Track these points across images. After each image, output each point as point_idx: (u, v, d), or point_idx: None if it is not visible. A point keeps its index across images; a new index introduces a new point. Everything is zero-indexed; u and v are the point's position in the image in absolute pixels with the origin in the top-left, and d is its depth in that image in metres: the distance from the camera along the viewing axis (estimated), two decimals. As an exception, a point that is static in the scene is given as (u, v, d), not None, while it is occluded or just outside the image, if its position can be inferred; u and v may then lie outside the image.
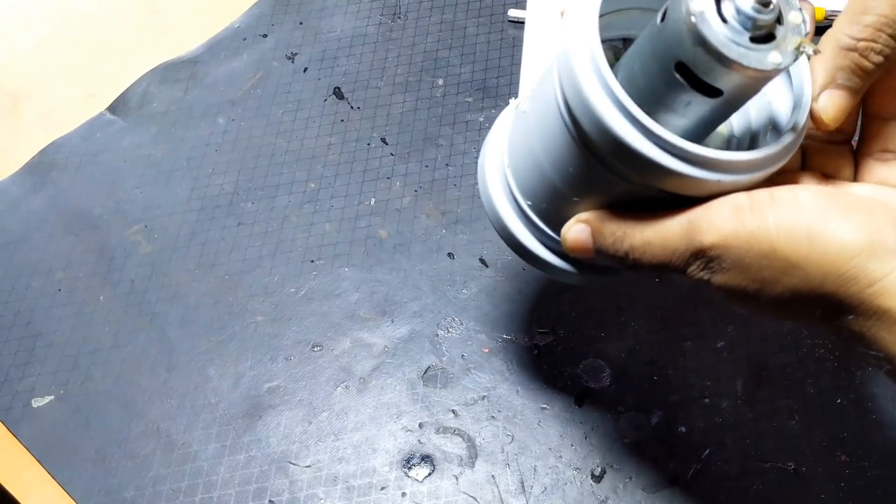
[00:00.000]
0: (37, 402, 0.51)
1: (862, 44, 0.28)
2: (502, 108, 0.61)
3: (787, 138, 0.28)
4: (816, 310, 0.27)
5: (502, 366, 0.50)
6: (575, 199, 0.32)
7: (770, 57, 0.25)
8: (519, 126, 0.35)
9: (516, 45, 0.65)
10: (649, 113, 0.27)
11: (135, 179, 0.60)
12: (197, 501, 0.47)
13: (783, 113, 0.31)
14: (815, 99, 0.29)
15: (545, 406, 0.49)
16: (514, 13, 0.66)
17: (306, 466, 0.48)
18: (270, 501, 0.47)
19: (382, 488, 0.47)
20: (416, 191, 0.58)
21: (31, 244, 0.58)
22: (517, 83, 0.63)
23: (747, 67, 0.25)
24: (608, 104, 0.27)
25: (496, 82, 0.63)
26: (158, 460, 0.48)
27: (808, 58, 0.26)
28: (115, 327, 0.54)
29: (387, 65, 0.65)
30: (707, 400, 0.48)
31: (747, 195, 0.27)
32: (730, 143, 0.33)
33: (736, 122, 0.33)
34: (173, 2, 0.72)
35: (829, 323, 0.27)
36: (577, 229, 0.32)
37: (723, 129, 0.32)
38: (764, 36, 0.25)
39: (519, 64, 0.64)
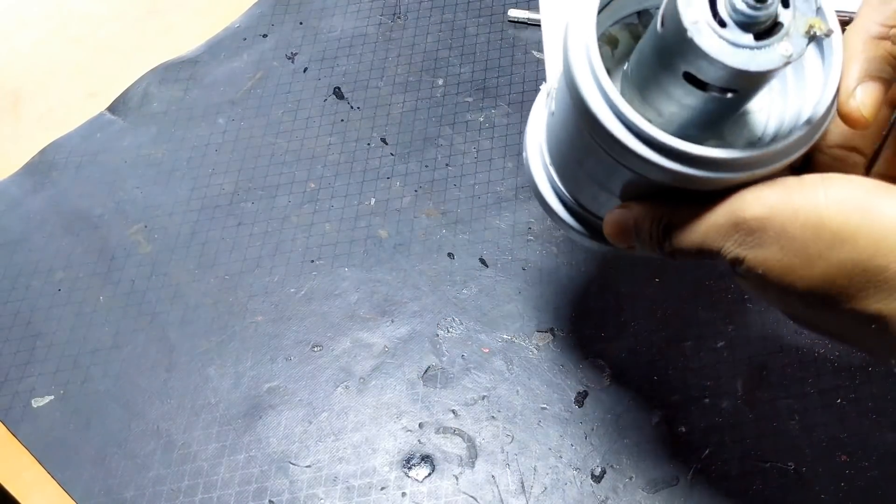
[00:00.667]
0: (37, 402, 0.51)
1: (894, 31, 0.27)
2: (502, 108, 0.62)
3: (797, 133, 0.26)
4: (861, 290, 0.25)
5: (502, 366, 0.50)
6: (616, 196, 0.32)
7: (779, 50, 0.23)
8: (550, 126, 0.35)
9: (516, 45, 0.65)
10: (672, 114, 0.26)
11: (135, 179, 0.60)
12: (197, 501, 0.47)
13: (815, 103, 0.29)
14: (851, 94, 0.27)
15: (545, 406, 0.49)
16: (514, 13, 0.66)
17: (306, 466, 0.48)
18: (270, 501, 0.47)
19: (382, 488, 0.47)
20: (416, 191, 0.58)
21: (31, 244, 0.58)
22: (517, 83, 0.63)
23: (754, 72, 0.23)
24: (605, 109, 0.27)
25: (496, 82, 0.63)
26: (158, 460, 0.48)
27: (822, 40, 0.24)
28: (115, 327, 0.54)
29: (387, 65, 0.65)
30: (707, 400, 0.48)
31: (797, 178, 0.26)
32: (763, 134, 0.31)
33: (774, 117, 0.31)
34: (173, 2, 0.72)
35: (866, 310, 0.25)
36: (617, 213, 0.31)
37: (759, 119, 0.31)
38: (768, 29, 0.24)
39: (520, 64, 0.64)
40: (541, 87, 0.38)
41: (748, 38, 0.23)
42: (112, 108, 0.65)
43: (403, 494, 0.46)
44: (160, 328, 0.53)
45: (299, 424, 0.49)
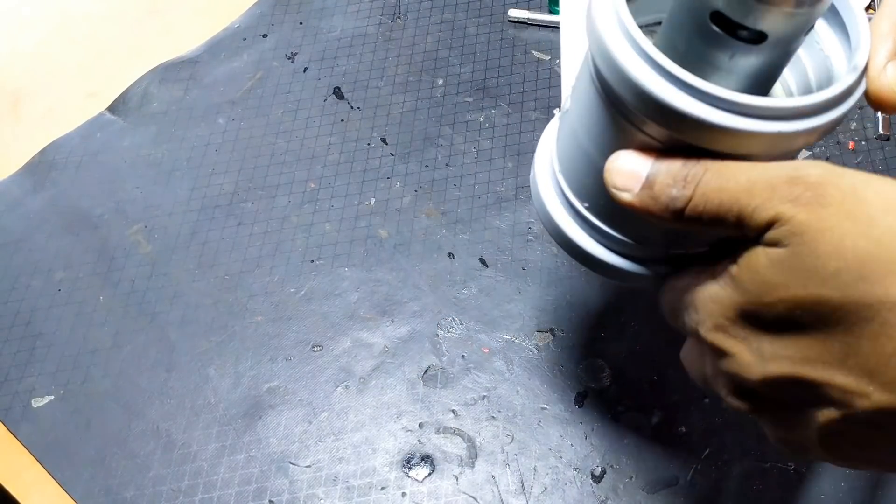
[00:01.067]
0: (37, 402, 0.51)
1: None
2: (502, 107, 0.62)
3: (847, 80, 0.25)
4: None
5: (502, 366, 0.50)
6: None
7: None
8: (564, 126, 0.33)
9: (516, 45, 0.65)
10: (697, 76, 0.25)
11: (135, 179, 0.60)
12: (197, 501, 0.47)
13: (841, 69, 0.28)
14: (882, 71, 0.26)
15: (545, 406, 0.49)
16: (514, 13, 0.66)
17: (306, 466, 0.48)
18: (270, 501, 0.47)
19: (382, 488, 0.47)
20: (416, 191, 0.58)
21: (31, 244, 0.58)
22: (517, 83, 0.63)
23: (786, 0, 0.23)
24: (637, 59, 0.25)
25: (496, 82, 0.63)
26: (158, 460, 0.48)
27: None
28: (115, 327, 0.54)
29: (387, 65, 0.65)
30: (707, 400, 0.48)
31: None
32: None
33: (796, 86, 0.31)
34: (173, 2, 0.72)
35: None
36: (631, 156, 0.27)
37: (780, 93, 0.30)
38: None
39: (519, 64, 0.64)
40: (554, 111, 0.36)
41: None
42: (112, 108, 0.65)
43: (403, 494, 0.46)
44: (160, 328, 0.53)
45: (299, 424, 0.49)
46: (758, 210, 0.24)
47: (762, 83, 0.27)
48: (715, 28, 0.25)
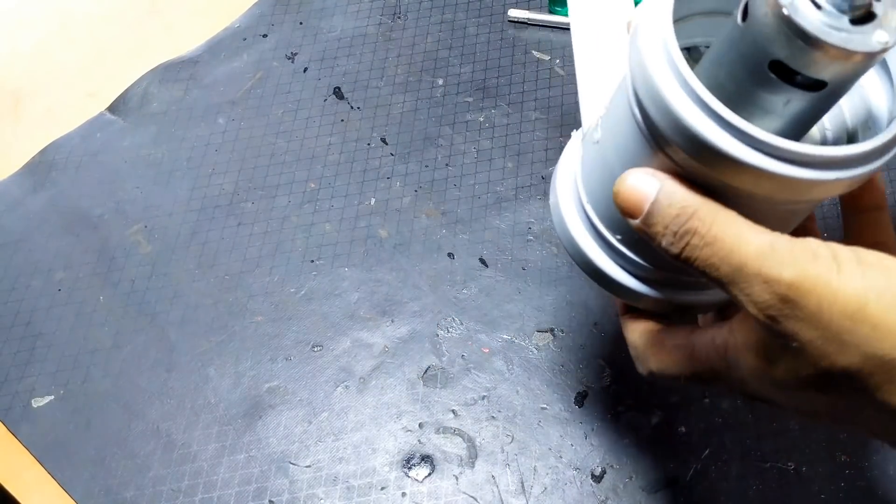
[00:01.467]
0: (37, 402, 0.51)
1: None
2: (502, 107, 0.62)
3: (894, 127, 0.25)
4: (887, 382, 0.25)
5: (502, 366, 0.50)
6: None
7: (875, 37, 0.23)
8: (593, 156, 0.32)
9: (516, 45, 0.65)
10: (744, 119, 0.25)
11: (135, 179, 0.60)
12: (197, 501, 0.47)
13: (882, 106, 0.28)
14: None
15: (545, 406, 0.49)
16: (514, 13, 0.66)
17: (306, 466, 0.48)
18: (270, 501, 0.47)
19: (382, 488, 0.47)
20: (416, 191, 0.58)
21: (31, 244, 0.58)
22: (517, 83, 0.63)
23: (854, 52, 0.23)
24: (690, 104, 0.25)
25: (496, 82, 0.63)
26: (158, 460, 0.48)
27: None
28: (115, 327, 0.54)
29: (387, 65, 0.65)
30: (707, 400, 0.48)
31: (826, 246, 0.25)
32: (825, 144, 0.30)
33: (829, 122, 0.31)
34: (173, 2, 0.72)
35: (888, 401, 0.25)
36: (642, 179, 0.27)
37: (814, 130, 0.30)
38: (864, 16, 0.23)
39: (519, 64, 0.64)
40: (572, 133, 0.35)
41: (844, 22, 0.23)
42: (112, 108, 0.65)
43: (403, 494, 0.46)
44: (160, 328, 0.53)
45: (299, 424, 0.49)
46: (738, 297, 0.25)
47: (807, 124, 0.27)
48: (772, 76, 0.25)
